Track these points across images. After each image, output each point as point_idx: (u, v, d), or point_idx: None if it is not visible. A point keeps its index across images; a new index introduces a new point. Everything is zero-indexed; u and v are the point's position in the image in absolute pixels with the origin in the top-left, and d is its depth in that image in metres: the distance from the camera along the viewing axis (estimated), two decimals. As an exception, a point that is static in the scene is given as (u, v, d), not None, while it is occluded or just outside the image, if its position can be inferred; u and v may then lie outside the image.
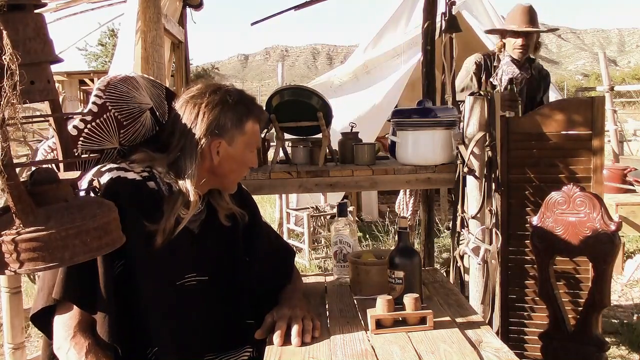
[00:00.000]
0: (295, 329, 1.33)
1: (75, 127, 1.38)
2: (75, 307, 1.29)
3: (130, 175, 1.35)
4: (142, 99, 1.48)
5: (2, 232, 0.86)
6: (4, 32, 0.79)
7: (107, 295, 1.26)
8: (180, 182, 1.38)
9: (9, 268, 0.86)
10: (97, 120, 1.41)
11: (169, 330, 1.34)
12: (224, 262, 1.48)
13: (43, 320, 1.33)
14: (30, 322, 1.37)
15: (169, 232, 1.35)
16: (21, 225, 0.86)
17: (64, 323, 1.29)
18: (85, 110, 1.43)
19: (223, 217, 1.50)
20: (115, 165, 1.36)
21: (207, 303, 1.43)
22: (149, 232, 1.32)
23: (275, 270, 1.61)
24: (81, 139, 1.39)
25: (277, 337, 1.32)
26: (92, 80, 11.97)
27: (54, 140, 1.44)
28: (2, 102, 0.79)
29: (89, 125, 1.40)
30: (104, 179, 1.31)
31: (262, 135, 2.42)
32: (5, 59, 0.79)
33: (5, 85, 0.79)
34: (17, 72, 0.79)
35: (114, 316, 1.27)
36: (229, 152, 1.42)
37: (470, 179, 2.18)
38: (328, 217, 5.37)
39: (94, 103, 1.41)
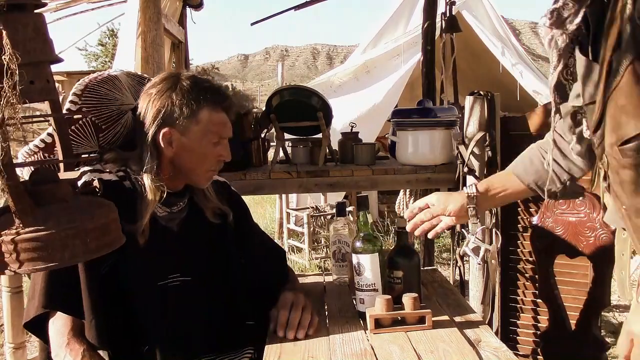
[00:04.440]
0: (293, 320, 1.35)
1: (49, 134, 1.35)
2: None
3: (106, 177, 1.33)
4: (123, 99, 1.44)
5: (2, 232, 0.86)
6: (4, 32, 0.80)
7: (92, 298, 1.26)
8: (141, 177, 1.34)
9: (9, 268, 0.86)
10: (73, 127, 1.37)
11: (158, 330, 1.33)
12: (211, 262, 1.45)
13: (37, 325, 1.33)
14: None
15: (148, 231, 1.33)
16: (21, 225, 0.86)
17: (58, 330, 1.29)
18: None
19: (211, 214, 1.47)
20: (89, 168, 1.35)
21: (196, 303, 1.40)
22: (129, 233, 1.29)
23: (271, 270, 1.61)
24: (57, 145, 1.37)
25: (279, 328, 1.35)
26: (92, 81, 12.00)
27: (35, 142, 1.42)
28: (2, 102, 0.79)
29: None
30: (80, 181, 1.28)
31: (262, 135, 2.42)
32: (5, 58, 0.79)
33: (5, 85, 0.79)
34: (17, 71, 0.80)
35: (102, 319, 1.26)
36: (183, 142, 1.35)
37: (470, 179, 2.18)
38: (328, 217, 5.37)
39: (68, 110, 1.36)
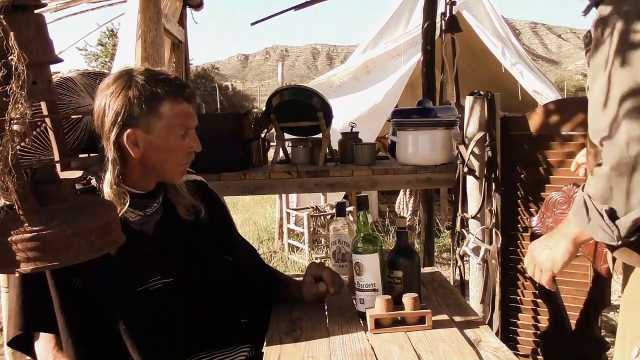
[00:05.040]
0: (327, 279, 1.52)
1: None
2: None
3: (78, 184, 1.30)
4: (80, 101, 1.39)
5: (8, 232, 0.87)
6: (11, 33, 0.80)
7: (66, 316, 1.25)
8: (101, 185, 1.29)
9: (19, 268, 0.86)
10: (27, 139, 1.34)
11: (142, 338, 1.29)
12: (190, 260, 1.42)
13: (25, 342, 1.32)
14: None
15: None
16: (27, 225, 0.87)
17: (43, 348, 1.29)
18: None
19: (183, 211, 1.43)
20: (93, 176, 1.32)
21: (181, 303, 1.36)
22: None
23: (255, 268, 1.61)
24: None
25: (330, 285, 1.51)
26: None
27: None
28: (10, 103, 0.79)
29: (22, 143, 1.33)
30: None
31: (262, 135, 2.42)
32: (13, 59, 0.79)
33: (13, 86, 0.79)
34: (25, 72, 0.80)
35: (78, 336, 1.25)
36: (149, 140, 1.29)
37: (470, 179, 2.19)
38: (328, 217, 5.38)
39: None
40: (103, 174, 1.29)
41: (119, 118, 1.26)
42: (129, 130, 1.28)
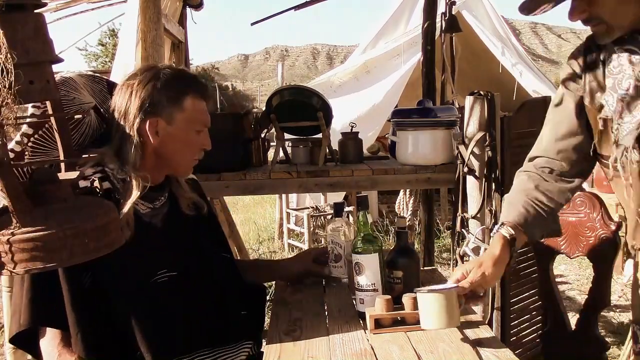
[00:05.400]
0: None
1: (18, 143, 1.32)
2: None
3: (82, 183, 1.30)
4: (83, 98, 1.42)
5: (0, 232, 0.86)
6: (1, 32, 0.79)
7: (75, 311, 1.25)
8: (126, 169, 1.33)
9: (5, 268, 0.85)
10: (40, 132, 1.34)
11: (150, 331, 1.30)
12: (193, 255, 1.44)
13: (28, 340, 1.31)
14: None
15: (133, 229, 1.29)
16: (18, 225, 0.86)
17: (49, 343, 1.29)
18: (25, 125, 1.34)
19: (185, 205, 1.47)
20: (93, 170, 1.33)
21: (185, 298, 1.38)
22: None
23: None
24: (26, 153, 1.34)
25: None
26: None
27: (12, 145, 1.39)
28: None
29: (32, 139, 1.34)
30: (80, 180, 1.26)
31: (262, 135, 2.42)
32: (1, 58, 0.79)
33: (0, 85, 0.79)
34: (13, 71, 0.79)
35: (88, 330, 1.25)
36: (169, 131, 1.36)
37: (470, 179, 2.18)
38: (328, 217, 5.38)
39: (33, 114, 1.31)
40: (122, 162, 1.34)
41: (145, 106, 1.33)
42: (152, 119, 1.34)
